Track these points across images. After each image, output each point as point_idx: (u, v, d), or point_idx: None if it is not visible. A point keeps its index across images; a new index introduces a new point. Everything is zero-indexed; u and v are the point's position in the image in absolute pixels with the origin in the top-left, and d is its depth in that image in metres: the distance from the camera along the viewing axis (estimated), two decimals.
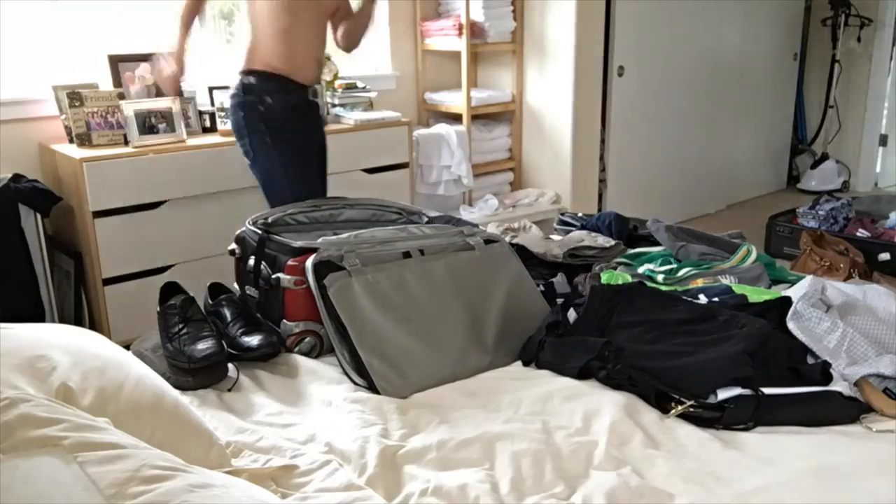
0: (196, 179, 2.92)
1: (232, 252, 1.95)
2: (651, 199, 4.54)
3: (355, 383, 1.57)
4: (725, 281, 1.95)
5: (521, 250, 2.14)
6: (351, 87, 3.58)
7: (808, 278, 1.78)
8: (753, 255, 2.09)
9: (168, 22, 3.23)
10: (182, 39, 2.52)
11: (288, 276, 1.73)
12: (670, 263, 2.11)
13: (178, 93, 2.71)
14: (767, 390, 1.45)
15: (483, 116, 4.14)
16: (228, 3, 3.45)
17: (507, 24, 3.99)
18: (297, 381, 1.62)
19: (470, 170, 3.83)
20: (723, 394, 1.44)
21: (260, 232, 1.86)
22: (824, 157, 5.58)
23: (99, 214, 2.74)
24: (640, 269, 2.09)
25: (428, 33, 3.99)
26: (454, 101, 3.97)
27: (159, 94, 3.05)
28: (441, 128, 3.83)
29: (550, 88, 4.01)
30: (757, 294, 1.80)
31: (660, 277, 2.02)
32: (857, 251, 3.45)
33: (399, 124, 3.46)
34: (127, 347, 1.42)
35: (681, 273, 2.02)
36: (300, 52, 2.45)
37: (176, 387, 1.42)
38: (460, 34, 3.83)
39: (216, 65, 3.41)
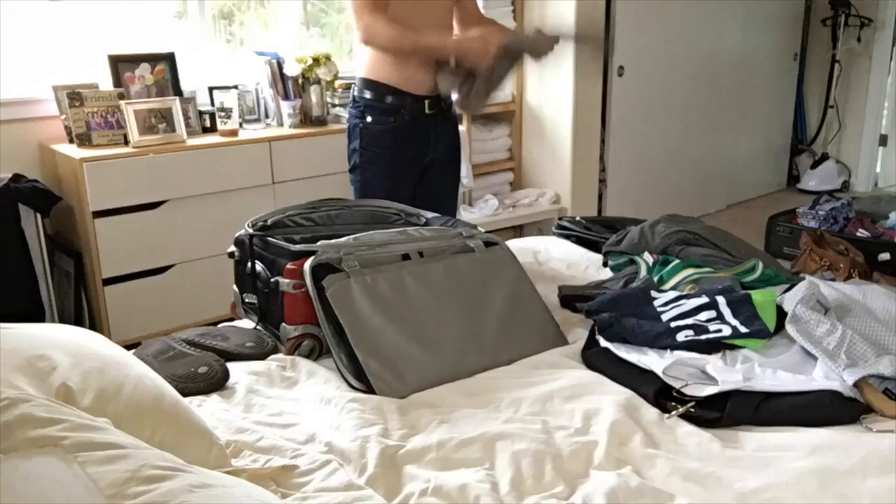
0: (196, 179, 2.92)
1: (231, 255, 1.95)
2: (651, 199, 4.54)
3: (352, 387, 1.56)
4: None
5: None
6: (351, 87, 3.57)
7: (804, 281, 1.77)
8: (758, 274, 2.05)
9: (166, 23, 3.23)
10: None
11: (287, 280, 1.72)
12: (669, 263, 2.11)
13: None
14: (768, 389, 1.45)
15: (483, 116, 4.13)
16: (228, 3, 3.45)
17: (507, 25, 3.98)
18: (297, 380, 1.62)
19: (470, 170, 3.82)
20: (724, 383, 1.45)
21: (258, 235, 1.86)
22: (824, 157, 5.58)
23: (99, 214, 2.74)
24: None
25: None
26: None
27: (159, 93, 3.05)
28: None
29: (550, 88, 4.01)
30: (761, 295, 1.79)
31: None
32: (857, 251, 3.44)
33: None
34: (128, 348, 1.42)
35: (675, 279, 2.02)
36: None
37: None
38: None
39: (216, 65, 3.41)
